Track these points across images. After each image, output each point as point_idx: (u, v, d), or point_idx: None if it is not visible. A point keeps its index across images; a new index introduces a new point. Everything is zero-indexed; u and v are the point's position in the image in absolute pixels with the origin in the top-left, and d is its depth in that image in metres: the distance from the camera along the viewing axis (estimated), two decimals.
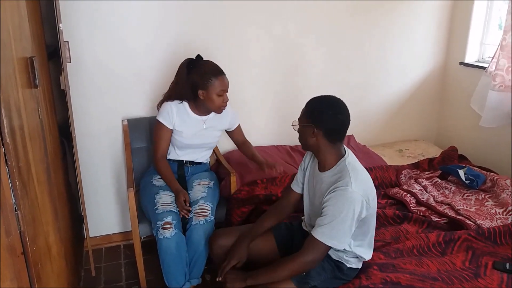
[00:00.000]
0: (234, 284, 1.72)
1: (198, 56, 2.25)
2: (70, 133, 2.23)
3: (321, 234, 1.59)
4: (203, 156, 2.45)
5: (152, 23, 2.52)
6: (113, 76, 2.53)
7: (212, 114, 2.31)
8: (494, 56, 2.67)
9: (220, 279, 1.79)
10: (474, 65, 3.00)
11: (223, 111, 2.26)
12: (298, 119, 1.70)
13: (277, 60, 2.85)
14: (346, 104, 3.09)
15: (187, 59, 2.24)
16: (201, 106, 2.25)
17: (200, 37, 2.62)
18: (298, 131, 1.71)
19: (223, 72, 2.19)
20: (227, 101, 2.22)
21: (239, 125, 2.48)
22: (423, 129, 3.39)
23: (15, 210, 1.18)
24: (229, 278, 1.75)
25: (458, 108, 3.18)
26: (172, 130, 2.27)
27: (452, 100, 3.24)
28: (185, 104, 2.27)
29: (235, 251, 1.83)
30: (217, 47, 2.68)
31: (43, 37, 2.12)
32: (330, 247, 1.61)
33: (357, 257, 1.75)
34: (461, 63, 3.09)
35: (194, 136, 2.30)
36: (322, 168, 1.71)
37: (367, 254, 1.78)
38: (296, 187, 1.90)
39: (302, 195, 1.88)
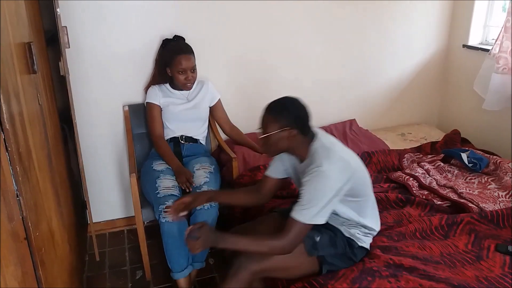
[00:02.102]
0: (204, 242, 1.59)
1: (175, 37, 2.45)
2: (71, 119, 2.22)
3: (299, 214, 1.58)
4: (198, 132, 2.48)
5: (152, 8, 2.49)
6: (113, 61, 2.51)
7: (193, 88, 2.46)
8: (497, 38, 2.63)
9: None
10: (478, 47, 2.97)
11: (203, 86, 2.50)
12: (263, 129, 1.65)
13: (275, 45, 2.82)
14: (348, 89, 3.11)
15: (163, 39, 2.45)
16: (176, 83, 2.42)
17: (201, 22, 2.60)
18: (267, 142, 1.66)
19: (188, 51, 2.34)
20: (191, 79, 2.37)
21: (219, 100, 2.58)
22: (426, 113, 3.37)
23: (17, 196, 1.19)
24: (203, 232, 1.60)
25: (461, 91, 3.16)
26: (160, 107, 2.42)
27: (455, 83, 3.21)
28: (166, 84, 2.46)
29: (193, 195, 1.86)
30: (215, 33, 2.65)
31: (41, 23, 2.10)
32: (310, 226, 1.60)
33: (368, 231, 1.77)
34: (464, 46, 3.06)
35: (182, 107, 2.42)
36: (301, 159, 1.72)
37: (376, 224, 1.80)
38: (273, 173, 1.87)
39: (281, 180, 1.88)
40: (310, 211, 1.57)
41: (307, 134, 1.68)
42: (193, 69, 2.37)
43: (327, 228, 1.75)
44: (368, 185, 1.76)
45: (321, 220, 1.59)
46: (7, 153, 1.16)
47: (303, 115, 1.66)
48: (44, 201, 1.47)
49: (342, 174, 1.60)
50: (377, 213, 1.84)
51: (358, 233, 1.76)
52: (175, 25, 2.54)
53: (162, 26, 2.53)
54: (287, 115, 1.63)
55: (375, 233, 1.82)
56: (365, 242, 1.78)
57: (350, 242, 1.76)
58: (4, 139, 1.14)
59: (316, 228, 1.70)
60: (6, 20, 1.25)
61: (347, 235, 1.76)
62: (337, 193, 1.60)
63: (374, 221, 1.80)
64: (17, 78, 1.30)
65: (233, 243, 1.61)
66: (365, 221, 1.75)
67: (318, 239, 1.72)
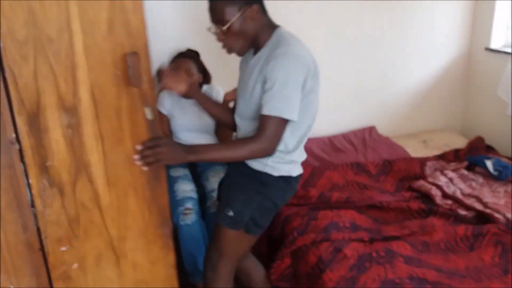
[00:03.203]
0: (174, 157, 1.36)
1: (188, 50, 2.42)
2: None
3: (270, 108, 1.39)
4: (207, 142, 2.38)
5: (162, 20, 2.49)
6: None
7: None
8: None
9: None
10: (501, 50, 2.88)
11: (212, 92, 2.39)
12: (220, 21, 1.43)
13: None
14: (367, 94, 3.04)
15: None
16: None
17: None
18: (232, 34, 1.44)
19: (181, 55, 2.32)
20: None
21: None
22: (448, 119, 3.28)
23: (32, 206, 1.19)
24: (164, 143, 1.32)
25: (484, 96, 3.06)
26: (167, 116, 2.37)
27: (478, 87, 3.12)
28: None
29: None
30: None
31: None
32: (286, 122, 1.42)
33: (288, 158, 1.56)
34: (486, 49, 2.97)
35: (189, 117, 2.35)
36: (257, 49, 1.52)
37: (300, 154, 1.61)
38: None
39: None
40: (284, 102, 1.39)
41: (266, 13, 1.51)
42: (188, 72, 2.27)
43: (237, 186, 1.61)
44: (318, 93, 1.56)
45: (294, 116, 1.42)
46: (22, 164, 1.16)
47: None
48: (105, 217, 1.34)
49: (310, 63, 1.45)
50: (304, 141, 1.62)
51: (272, 162, 1.54)
52: (181, 36, 2.52)
53: (171, 38, 2.50)
54: None
55: (294, 160, 1.60)
56: (284, 170, 1.57)
57: (261, 180, 1.56)
58: (20, 150, 1.15)
59: (224, 201, 1.63)
60: (69, 25, 1.14)
61: (259, 168, 1.56)
62: (304, 83, 1.43)
63: (299, 149, 1.59)
64: (80, 91, 1.20)
65: (206, 153, 1.42)
66: (290, 142, 1.52)
67: (231, 213, 1.56)
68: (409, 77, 3.09)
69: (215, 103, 1.71)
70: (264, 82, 1.43)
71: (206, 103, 1.67)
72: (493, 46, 2.94)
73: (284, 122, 1.42)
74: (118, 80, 1.24)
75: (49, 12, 1.10)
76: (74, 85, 1.18)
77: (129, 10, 1.20)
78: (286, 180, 1.58)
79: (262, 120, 1.42)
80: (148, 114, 1.31)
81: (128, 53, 1.22)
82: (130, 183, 1.34)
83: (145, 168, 1.30)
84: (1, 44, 1.07)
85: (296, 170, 1.60)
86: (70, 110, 1.19)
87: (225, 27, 1.42)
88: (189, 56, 2.34)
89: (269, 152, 1.43)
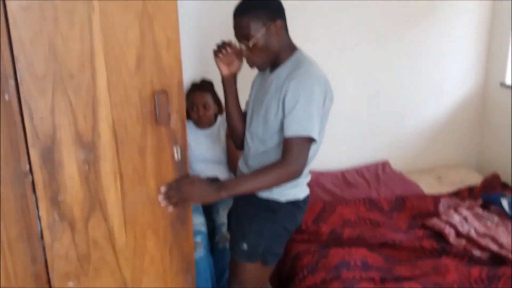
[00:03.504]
0: (203, 195, 1.33)
1: (202, 81, 2.45)
2: None
3: (295, 129, 1.38)
4: (220, 173, 2.40)
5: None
6: None
7: (216, 126, 2.42)
8: None
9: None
10: None
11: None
12: (246, 36, 1.45)
13: None
14: (380, 128, 3.01)
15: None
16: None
17: None
18: (257, 50, 1.46)
19: (198, 88, 2.37)
20: (202, 116, 2.34)
21: None
22: (463, 155, 3.24)
23: (41, 238, 1.19)
24: (194, 188, 1.30)
25: (499, 132, 3.02)
26: None
27: (493, 123, 3.09)
28: (191, 123, 2.42)
29: None
30: None
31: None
32: (310, 141, 1.40)
33: (295, 184, 1.53)
34: (501, 84, 2.95)
35: (203, 147, 2.38)
36: (275, 66, 1.53)
37: (305, 176, 1.59)
38: None
39: None
40: (309, 120, 1.38)
41: (288, 32, 1.53)
42: (206, 106, 2.33)
43: (246, 217, 1.59)
44: (323, 127, 1.54)
45: (316, 135, 1.40)
46: (34, 196, 1.17)
47: (279, 2, 1.50)
48: (119, 257, 1.29)
49: (328, 85, 1.48)
50: (310, 164, 1.57)
51: (276, 187, 1.49)
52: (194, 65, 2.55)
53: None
54: (266, 5, 1.45)
55: (303, 185, 1.60)
56: (291, 194, 1.55)
57: (268, 206, 1.55)
58: (33, 182, 1.15)
59: (235, 235, 1.61)
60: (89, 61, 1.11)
61: (264, 197, 1.55)
62: (323, 104, 1.44)
63: (304, 172, 1.52)
64: (99, 127, 1.18)
65: (237, 187, 1.39)
66: None
67: (245, 246, 1.55)
68: (423, 111, 3.08)
69: (239, 106, 1.68)
70: (282, 101, 1.43)
71: (232, 100, 1.65)
72: (508, 81, 2.93)
73: (309, 141, 1.41)
74: (145, 118, 1.21)
75: (71, 47, 1.10)
76: (94, 121, 1.16)
77: (162, 46, 1.18)
78: (294, 204, 1.58)
79: (287, 143, 1.41)
80: (177, 154, 1.27)
81: (157, 91, 1.19)
82: (149, 224, 1.30)
83: (170, 209, 1.28)
84: (19, 79, 1.07)
85: (302, 192, 1.60)
86: (88, 146, 1.18)
87: (250, 43, 1.44)
88: (205, 89, 2.37)
89: (297, 174, 1.41)
